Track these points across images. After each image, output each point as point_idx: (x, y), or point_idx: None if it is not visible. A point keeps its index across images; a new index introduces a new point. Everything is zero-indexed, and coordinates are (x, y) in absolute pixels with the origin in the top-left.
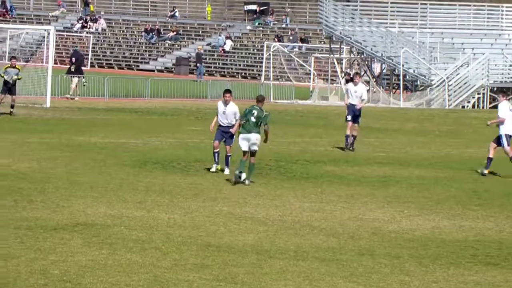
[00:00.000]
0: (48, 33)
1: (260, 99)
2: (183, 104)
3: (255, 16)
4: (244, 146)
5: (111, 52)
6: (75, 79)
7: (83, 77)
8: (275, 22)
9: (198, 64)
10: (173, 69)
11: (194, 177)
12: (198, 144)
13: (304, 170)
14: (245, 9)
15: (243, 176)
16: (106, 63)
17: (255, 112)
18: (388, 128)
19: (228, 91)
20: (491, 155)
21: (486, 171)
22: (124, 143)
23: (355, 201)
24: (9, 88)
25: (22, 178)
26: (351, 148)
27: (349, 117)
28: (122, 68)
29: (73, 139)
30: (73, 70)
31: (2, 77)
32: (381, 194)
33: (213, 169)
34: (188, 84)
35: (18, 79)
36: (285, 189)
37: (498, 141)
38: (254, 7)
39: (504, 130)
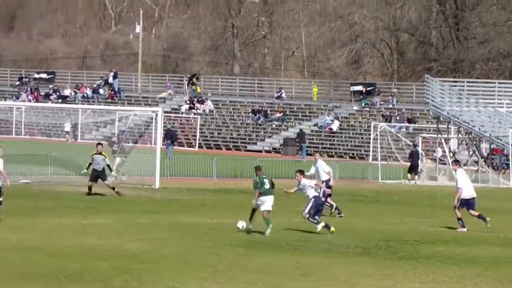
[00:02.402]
0: (156, 115)
1: (259, 168)
2: (291, 184)
3: (361, 96)
4: (267, 206)
5: (218, 133)
6: (118, 159)
7: (125, 156)
8: (382, 103)
9: (302, 144)
10: (280, 149)
11: (303, 257)
12: (307, 224)
13: (414, 250)
14: (351, 90)
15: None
16: (214, 144)
17: (266, 179)
18: (498, 208)
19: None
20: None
21: None
22: (233, 223)
23: (466, 282)
24: (97, 176)
25: (132, 258)
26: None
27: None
28: (230, 149)
29: (182, 219)
30: (116, 148)
31: (90, 163)
32: (492, 274)
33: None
34: (295, 165)
35: (107, 165)
36: (395, 269)
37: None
38: (360, 87)
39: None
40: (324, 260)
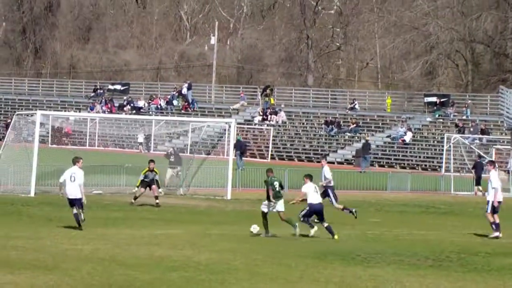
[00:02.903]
0: (229, 126)
1: (271, 170)
2: (363, 196)
3: (435, 107)
4: (280, 207)
5: (291, 144)
6: (169, 171)
7: (179, 169)
8: (456, 114)
9: (365, 155)
10: (352, 161)
11: (374, 268)
12: (378, 236)
13: (485, 262)
14: (425, 101)
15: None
16: (286, 155)
17: (276, 182)
18: None
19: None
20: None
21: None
22: (304, 234)
23: None
24: (149, 183)
25: (203, 269)
26: None
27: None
28: (302, 160)
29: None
30: (172, 160)
31: (142, 181)
32: None
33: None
34: (367, 176)
35: (156, 181)
36: (466, 281)
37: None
38: (434, 99)
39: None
40: (396, 272)
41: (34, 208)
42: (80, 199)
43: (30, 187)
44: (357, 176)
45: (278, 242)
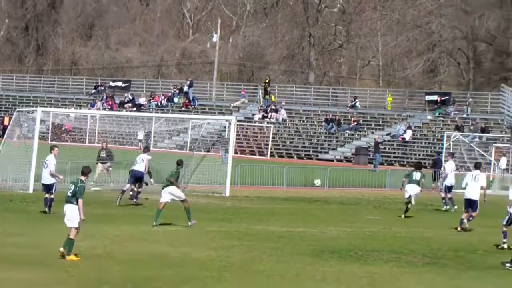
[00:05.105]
0: (230, 123)
1: (179, 163)
2: (361, 193)
3: (436, 106)
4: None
5: (290, 142)
6: (100, 166)
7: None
8: (456, 112)
9: (376, 154)
10: (352, 158)
11: (371, 266)
12: (376, 234)
13: (481, 260)
14: (426, 99)
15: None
16: (286, 153)
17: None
18: None
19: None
20: None
21: None
22: (302, 232)
23: None
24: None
25: (200, 266)
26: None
27: None
28: (302, 158)
29: (252, 227)
30: (104, 155)
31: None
32: None
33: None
34: (366, 174)
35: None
36: (462, 279)
37: None
38: (435, 97)
39: None
40: (393, 270)
41: (32, 204)
42: (52, 185)
43: (29, 183)
44: (356, 173)
45: (276, 239)
